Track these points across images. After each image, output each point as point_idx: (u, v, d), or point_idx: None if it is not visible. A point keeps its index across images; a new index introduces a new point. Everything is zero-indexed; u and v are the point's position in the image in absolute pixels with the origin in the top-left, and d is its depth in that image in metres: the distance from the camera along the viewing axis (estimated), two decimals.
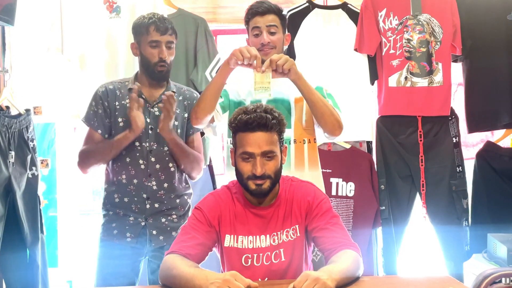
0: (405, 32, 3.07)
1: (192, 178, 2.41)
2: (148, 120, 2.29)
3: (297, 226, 1.88)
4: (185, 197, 2.39)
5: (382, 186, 3.11)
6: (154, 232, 2.27)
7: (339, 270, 1.66)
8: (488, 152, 3.11)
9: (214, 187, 3.07)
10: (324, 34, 3.14)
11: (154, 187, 2.28)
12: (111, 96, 2.31)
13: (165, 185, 2.30)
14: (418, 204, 3.13)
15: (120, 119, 2.29)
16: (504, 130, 3.17)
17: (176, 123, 2.33)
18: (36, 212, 2.73)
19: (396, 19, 3.09)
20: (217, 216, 1.86)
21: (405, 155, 3.11)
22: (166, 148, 2.30)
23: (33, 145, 2.76)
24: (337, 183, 3.14)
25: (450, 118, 3.10)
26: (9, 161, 2.60)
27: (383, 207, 3.10)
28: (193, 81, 3.01)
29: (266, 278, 1.85)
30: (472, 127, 3.13)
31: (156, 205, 2.28)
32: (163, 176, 2.30)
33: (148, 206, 2.28)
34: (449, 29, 3.06)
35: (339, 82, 3.05)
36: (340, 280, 1.64)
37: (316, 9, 3.17)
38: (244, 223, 1.87)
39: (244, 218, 1.87)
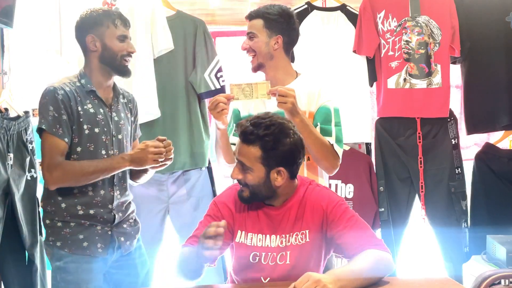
0: (403, 33, 3.08)
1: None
2: (111, 126, 2.17)
3: (307, 231, 1.85)
4: (132, 200, 2.32)
5: (381, 187, 3.11)
6: (122, 239, 2.18)
7: (347, 272, 1.64)
8: (487, 154, 3.12)
9: (213, 189, 3.07)
10: (323, 36, 3.14)
11: (119, 196, 2.18)
12: (72, 100, 2.09)
13: (126, 192, 2.23)
14: (417, 205, 3.13)
15: (85, 126, 2.09)
16: (503, 131, 3.17)
17: (129, 128, 2.25)
18: (34, 214, 2.73)
19: (394, 21, 3.09)
20: (231, 211, 1.89)
21: (404, 157, 3.11)
22: None
23: (32, 147, 2.76)
24: (336, 185, 3.14)
25: (449, 119, 3.10)
26: (8, 163, 2.60)
27: (382, 209, 3.10)
28: (191, 83, 3.01)
29: (268, 278, 1.85)
30: (471, 129, 3.14)
31: (120, 214, 2.18)
32: (124, 184, 2.22)
33: (114, 216, 2.16)
34: (447, 31, 3.06)
35: (338, 84, 3.05)
36: (349, 282, 1.62)
37: (315, 10, 3.17)
38: (255, 221, 1.88)
39: (256, 216, 1.88)
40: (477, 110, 3.10)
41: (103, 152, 2.12)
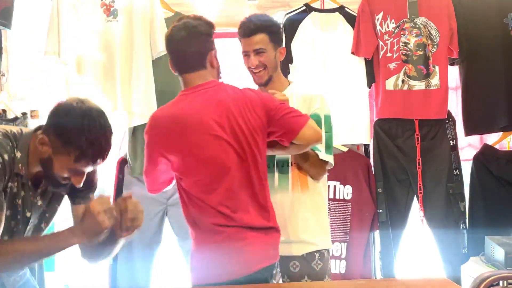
0: (402, 35, 3.08)
1: None
2: (30, 214, 1.75)
3: None
4: None
5: (380, 189, 3.11)
6: (4, 275, 1.79)
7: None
8: (485, 155, 3.12)
9: None
10: (321, 38, 3.14)
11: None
12: (7, 173, 1.62)
13: None
14: (416, 207, 3.13)
15: (8, 212, 1.64)
16: (501, 133, 3.18)
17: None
18: None
19: (393, 23, 3.09)
20: None
21: (402, 158, 3.11)
22: None
23: None
24: (335, 186, 3.14)
25: (447, 121, 3.11)
26: None
27: (381, 210, 3.09)
28: None
29: None
30: (469, 130, 3.14)
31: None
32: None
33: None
34: (446, 32, 3.07)
35: (337, 85, 3.06)
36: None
37: (313, 12, 3.17)
38: None
39: None
40: (475, 111, 3.11)
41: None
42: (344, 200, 3.13)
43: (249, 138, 1.89)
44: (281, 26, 2.32)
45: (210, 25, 2.04)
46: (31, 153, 1.65)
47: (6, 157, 1.59)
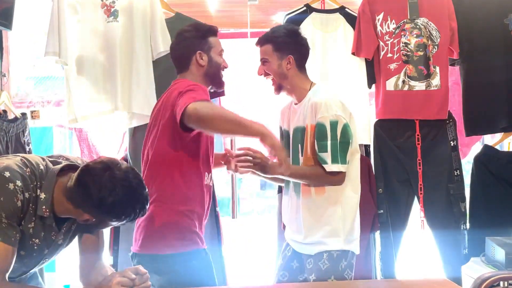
0: (402, 36, 3.08)
1: None
2: (47, 251, 1.77)
3: None
4: None
5: (380, 190, 3.10)
6: None
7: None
8: (486, 156, 3.12)
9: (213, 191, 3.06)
10: (321, 38, 3.14)
11: None
12: (23, 211, 1.62)
13: None
14: (416, 207, 3.13)
15: (22, 252, 1.66)
16: (502, 133, 3.17)
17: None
18: None
19: (393, 23, 3.09)
20: None
21: (402, 159, 3.11)
22: None
23: (29, 149, 2.77)
24: None
25: (447, 121, 3.10)
26: None
27: (381, 211, 3.09)
28: None
29: None
30: (470, 131, 3.13)
31: None
32: None
33: None
34: (446, 32, 3.07)
35: (337, 86, 3.05)
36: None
37: (313, 13, 3.17)
38: None
39: None
40: (476, 112, 3.10)
41: None
42: None
43: (158, 126, 2.10)
44: (293, 33, 2.31)
45: (197, 27, 2.23)
46: (56, 196, 1.64)
47: (27, 195, 1.60)
